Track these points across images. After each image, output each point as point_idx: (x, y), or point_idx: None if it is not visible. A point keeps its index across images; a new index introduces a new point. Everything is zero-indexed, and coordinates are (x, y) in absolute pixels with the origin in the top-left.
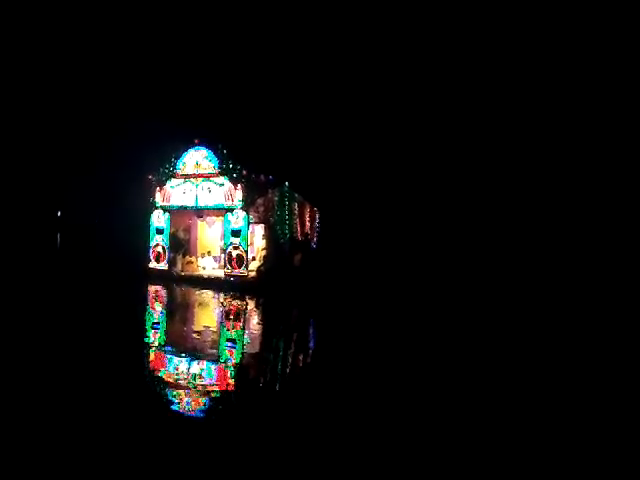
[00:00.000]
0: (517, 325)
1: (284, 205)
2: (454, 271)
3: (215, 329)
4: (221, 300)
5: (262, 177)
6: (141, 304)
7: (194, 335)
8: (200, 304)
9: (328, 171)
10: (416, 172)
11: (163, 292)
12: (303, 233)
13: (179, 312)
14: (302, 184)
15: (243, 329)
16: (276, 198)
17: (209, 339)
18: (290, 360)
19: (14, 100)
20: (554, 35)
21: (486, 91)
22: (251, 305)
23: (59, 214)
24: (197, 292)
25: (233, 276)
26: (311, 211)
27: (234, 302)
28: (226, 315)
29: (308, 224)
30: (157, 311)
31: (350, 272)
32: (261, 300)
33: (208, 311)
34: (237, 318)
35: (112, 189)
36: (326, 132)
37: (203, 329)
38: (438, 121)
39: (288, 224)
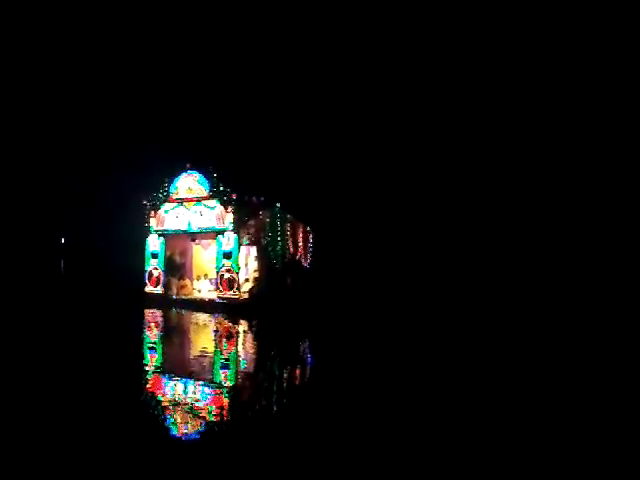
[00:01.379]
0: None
1: (276, 226)
2: (448, 287)
3: (205, 352)
4: (213, 323)
5: (253, 199)
6: (135, 328)
7: (183, 358)
8: (191, 327)
9: (320, 191)
10: (409, 190)
11: (156, 316)
12: (296, 253)
13: (169, 335)
14: (294, 205)
15: (234, 352)
16: (267, 219)
17: (196, 362)
18: (280, 382)
19: (19, 129)
20: (554, 35)
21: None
22: (242, 327)
23: (63, 241)
24: (190, 315)
25: (225, 298)
26: (304, 231)
27: (225, 324)
28: (217, 338)
29: (301, 244)
30: (149, 334)
31: (343, 292)
32: (253, 322)
33: (199, 334)
34: (228, 341)
35: (110, 215)
36: (316, 152)
37: (192, 352)
38: (426, 140)
39: (280, 245)
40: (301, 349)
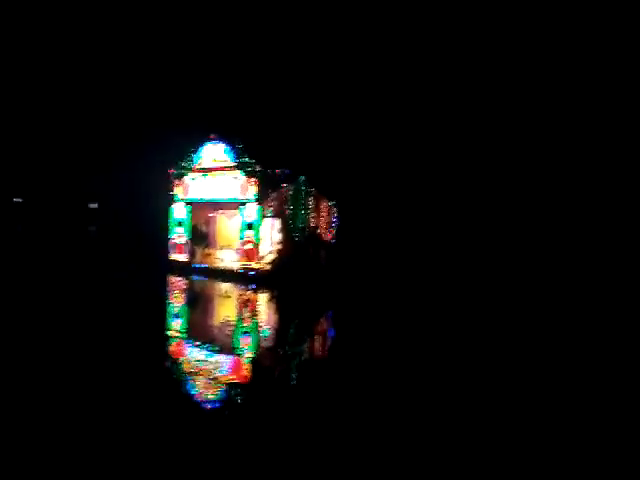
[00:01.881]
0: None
1: (299, 199)
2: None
3: (218, 319)
4: (232, 292)
5: (277, 171)
6: (157, 294)
7: (199, 324)
8: (211, 295)
9: (346, 165)
10: (437, 163)
11: (178, 283)
12: (318, 227)
13: (188, 302)
14: (319, 178)
15: (248, 321)
16: (290, 192)
17: (211, 328)
18: (297, 352)
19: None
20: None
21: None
22: (261, 297)
23: (93, 206)
24: (211, 283)
25: (247, 268)
26: (327, 205)
27: (245, 294)
28: (235, 307)
29: (324, 218)
30: (170, 301)
31: (366, 266)
32: (274, 292)
33: (218, 302)
34: (246, 310)
35: (138, 183)
36: (343, 126)
37: (208, 319)
38: (457, 113)
39: (303, 218)
40: (317, 321)
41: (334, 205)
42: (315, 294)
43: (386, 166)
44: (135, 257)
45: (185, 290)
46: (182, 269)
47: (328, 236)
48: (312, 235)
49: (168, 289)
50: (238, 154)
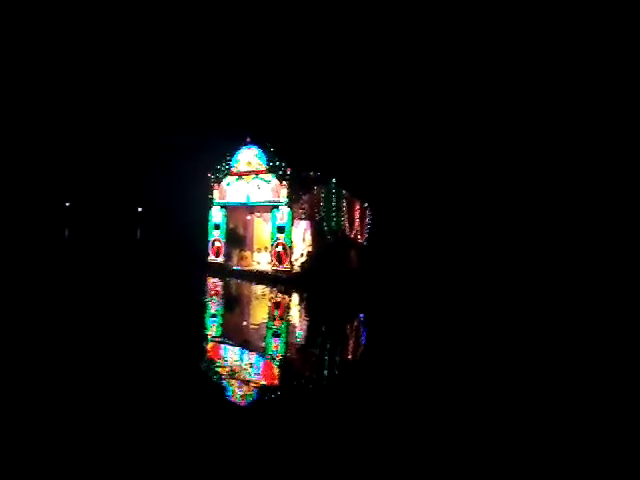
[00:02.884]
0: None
1: (330, 201)
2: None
3: (245, 319)
4: (261, 293)
5: (309, 174)
6: (191, 294)
7: (226, 324)
8: (240, 296)
9: (379, 168)
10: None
11: (212, 284)
12: (352, 229)
13: (217, 302)
14: (352, 180)
15: (273, 323)
16: (322, 194)
17: (238, 328)
18: (319, 355)
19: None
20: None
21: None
22: (290, 300)
23: (140, 210)
24: (243, 285)
25: (279, 271)
26: (361, 207)
27: (274, 296)
28: (261, 308)
29: (357, 220)
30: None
31: (400, 269)
32: (304, 295)
33: (245, 303)
34: (272, 312)
35: (181, 187)
36: (376, 128)
37: (235, 318)
38: (492, 115)
39: (335, 220)
40: (345, 325)
41: (367, 207)
42: (346, 297)
43: (419, 168)
44: (178, 259)
45: (215, 292)
46: (219, 271)
47: (361, 239)
48: (344, 238)
49: (200, 291)
50: (270, 157)
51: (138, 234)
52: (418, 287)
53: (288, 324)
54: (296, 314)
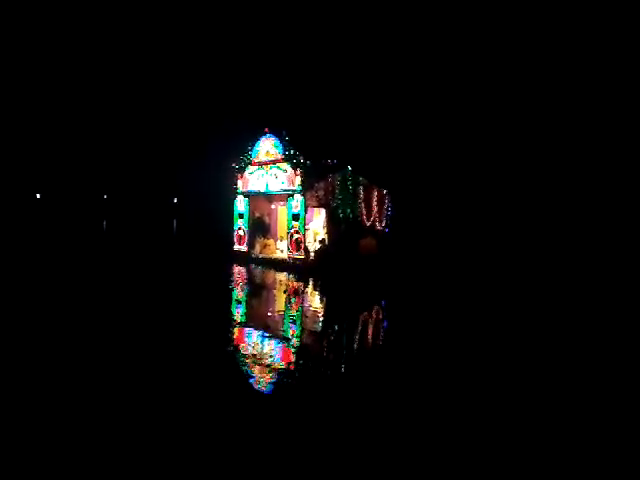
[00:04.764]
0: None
1: (346, 189)
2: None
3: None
4: (277, 280)
5: (324, 162)
6: (212, 280)
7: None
8: (255, 283)
9: (397, 154)
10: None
11: (234, 271)
12: (369, 217)
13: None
14: (371, 168)
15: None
16: (337, 182)
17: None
18: (328, 345)
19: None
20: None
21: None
22: (303, 287)
23: (175, 201)
24: (262, 272)
25: (295, 258)
26: (379, 194)
27: (287, 283)
28: (273, 294)
29: (376, 207)
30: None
31: (419, 256)
32: (318, 282)
33: (258, 289)
34: (283, 297)
35: (212, 178)
36: (393, 116)
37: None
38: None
39: (351, 208)
40: (357, 313)
41: (387, 194)
42: (360, 284)
43: (438, 154)
44: (208, 248)
45: (234, 277)
46: (242, 258)
47: (380, 226)
48: (361, 225)
49: (222, 277)
50: (286, 146)
51: (174, 225)
52: (437, 275)
53: (297, 312)
54: (304, 302)
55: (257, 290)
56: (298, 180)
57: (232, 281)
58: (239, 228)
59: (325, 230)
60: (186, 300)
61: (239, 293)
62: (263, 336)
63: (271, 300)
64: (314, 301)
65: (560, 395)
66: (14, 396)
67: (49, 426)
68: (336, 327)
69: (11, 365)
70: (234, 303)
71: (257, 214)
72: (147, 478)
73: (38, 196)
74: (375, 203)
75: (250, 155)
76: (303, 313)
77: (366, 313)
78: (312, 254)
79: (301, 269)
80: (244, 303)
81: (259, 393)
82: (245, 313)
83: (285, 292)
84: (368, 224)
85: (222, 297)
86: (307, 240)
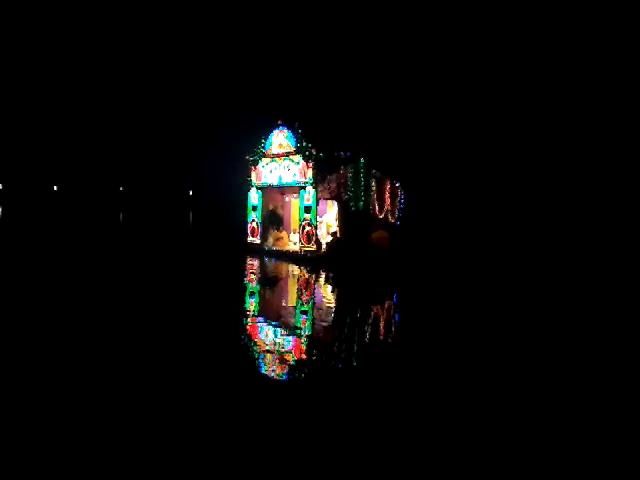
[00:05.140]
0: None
1: (358, 181)
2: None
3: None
4: (288, 272)
5: (337, 154)
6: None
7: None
8: (267, 274)
9: (411, 146)
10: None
11: (247, 264)
12: (382, 209)
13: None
14: (383, 159)
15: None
16: (350, 174)
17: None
18: (335, 336)
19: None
20: None
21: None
22: (313, 279)
23: (190, 193)
24: (274, 264)
25: (306, 251)
26: (392, 187)
27: (299, 275)
28: (282, 285)
29: (388, 200)
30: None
31: (432, 250)
32: (330, 275)
33: (268, 281)
34: (293, 289)
35: (222, 171)
36: (407, 108)
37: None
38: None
39: (363, 200)
40: (365, 306)
41: (400, 186)
42: (371, 277)
43: (452, 146)
44: (223, 240)
45: (246, 269)
46: (255, 251)
47: (393, 219)
48: (374, 218)
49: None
50: (298, 138)
51: (190, 217)
52: (450, 269)
53: (298, 303)
54: (312, 294)
55: (266, 281)
56: (310, 172)
57: (241, 273)
58: (252, 220)
59: (336, 222)
60: (194, 292)
61: (249, 284)
62: (272, 326)
63: (279, 291)
64: (321, 293)
65: (566, 390)
66: (36, 379)
67: (66, 408)
68: (341, 320)
69: (27, 353)
70: (242, 294)
71: (271, 206)
72: (163, 463)
73: (55, 188)
74: (388, 196)
75: (263, 147)
76: (309, 304)
77: (374, 307)
78: (324, 246)
79: (312, 261)
80: (250, 294)
81: (276, 382)
82: (251, 305)
83: (297, 282)
84: (381, 217)
85: (229, 289)
86: (320, 232)
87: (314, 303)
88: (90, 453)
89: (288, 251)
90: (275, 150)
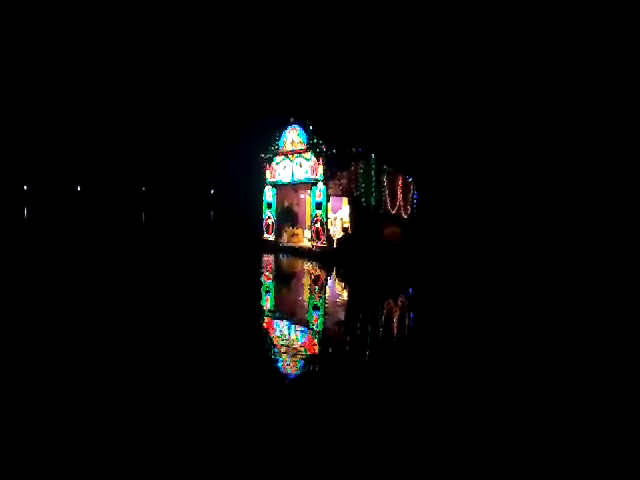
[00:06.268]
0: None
1: (369, 177)
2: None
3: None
4: (298, 267)
5: (347, 150)
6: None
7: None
8: (277, 270)
9: (424, 141)
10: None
11: (261, 259)
12: (394, 205)
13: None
14: (395, 155)
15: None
16: (361, 170)
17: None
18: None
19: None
20: None
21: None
22: (323, 275)
23: (212, 192)
24: (286, 260)
25: (317, 247)
26: (404, 183)
27: (309, 270)
28: (291, 280)
29: (400, 196)
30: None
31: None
32: (340, 271)
33: (278, 276)
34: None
35: (240, 169)
36: (418, 103)
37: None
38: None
39: (374, 196)
40: (377, 302)
41: (412, 182)
42: (382, 273)
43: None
44: (241, 237)
45: (258, 264)
46: (270, 247)
47: (405, 214)
48: (385, 213)
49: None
50: (309, 136)
51: (211, 216)
52: (463, 265)
53: (305, 299)
54: (321, 289)
55: (277, 277)
56: (320, 169)
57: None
58: (267, 217)
59: (347, 218)
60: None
61: (261, 280)
62: (279, 323)
63: (281, 289)
64: (330, 289)
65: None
66: (52, 370)
67: (84, 399)
68: (341, 320)
69: (57, 337)
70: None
71: (286, 203)
72: (181, 452)
73: (79, 188)
74: (400, 191)
75: (277, 145)
76: (308, 303)
77: (383, 303)
78: (335, 242)
79: (324, 257)
80: (259, 290)
81: (290, 377)
82: (261, 300)
83: (302, 279)
84: (393, 212)
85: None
86: (335, 229)
87: (314, 301)
88: (110, 440)
89: (302, 247)
90: (288, 147)
